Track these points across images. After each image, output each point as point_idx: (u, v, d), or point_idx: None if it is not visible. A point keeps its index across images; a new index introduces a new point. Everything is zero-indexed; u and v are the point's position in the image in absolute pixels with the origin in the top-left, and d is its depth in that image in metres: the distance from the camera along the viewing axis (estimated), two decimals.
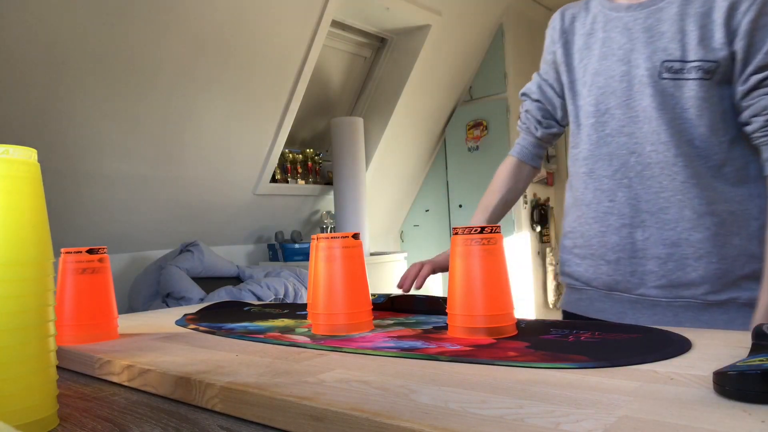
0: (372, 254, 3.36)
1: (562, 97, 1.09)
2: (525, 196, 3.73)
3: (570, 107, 1.04)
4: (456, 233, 0.74)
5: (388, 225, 4.03)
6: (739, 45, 0.84)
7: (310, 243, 0.94)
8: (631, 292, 0.95)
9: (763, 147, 0.85)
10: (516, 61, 3.69)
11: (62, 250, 0.87)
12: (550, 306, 3.83)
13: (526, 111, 1.14)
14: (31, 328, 0.51)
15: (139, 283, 2.56)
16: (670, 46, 0.88)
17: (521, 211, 3.68)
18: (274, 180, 3.13)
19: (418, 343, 0.69)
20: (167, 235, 2.78)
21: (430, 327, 0.80)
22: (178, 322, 0.98)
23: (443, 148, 3.98)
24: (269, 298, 2.51)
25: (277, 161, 3.04)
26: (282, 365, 0.62)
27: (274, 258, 3.18)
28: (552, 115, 1.11)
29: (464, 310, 0.72)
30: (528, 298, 3.70)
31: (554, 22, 1.07)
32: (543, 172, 3.89)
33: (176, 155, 2.59)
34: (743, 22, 0.83)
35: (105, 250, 0.89)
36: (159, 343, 0.80)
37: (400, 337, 0.73)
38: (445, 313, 0.76)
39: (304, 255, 3.04)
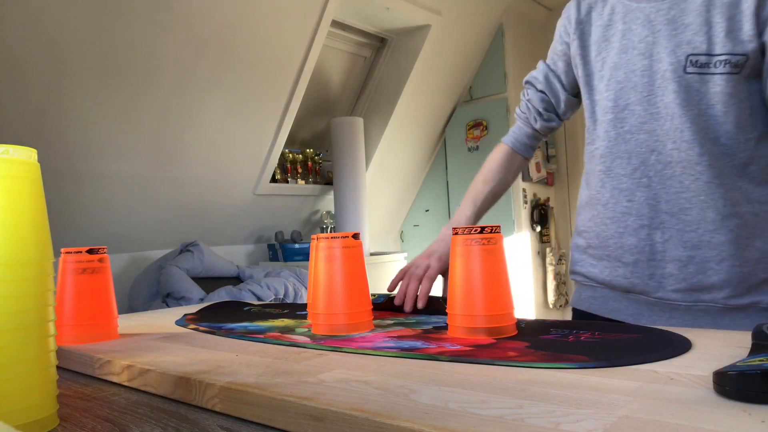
0: (372, 254, 3.36)
1: (567, 90, 1.06)
2: (525, 196, 3.73)
3: (586, 102, 1.00)
4: (456, 233, 0.74)
5: (388, 225, 4.03)
6: None
7: (310, 243, 0.93)
8: (649, 296, 0.91)
9: None
10: (516, 61, 3.69)
11: (62, 250, 0.87)
12: (550, 306, 3.83)
13: (528, 100, 1.11)
14: (31, 328, 0.51)
15: (139, 283, 2.56)
16: (695, 39, 0.83)
17: (521, 211, 3.68)
18: (274, 180, 3.13)
19: (418, 343, 0.69)
20: (167, 235, 2.78)
21: (430, 327, 0.80)
22: (178, 322, 0.98)
23: (443, 148, 3.98)
24: (269, 298, 2.51)
25: (277, 161, 3.04)
26: (282, 365, 0.62)
27: (274, 258, 3.18)
28: (554, 107, 1.09)
29: (464, 310, 0.72)
30: (528, 298, 3.70)
31: (569, 11, 1.02)
32: (543, 172, 3.89)
33: (176, 155, 2.59)
34: None
35: (105, 250, 0.89)
36: (159, 343, 0.80)
37: (400, 337, 0.73)
38: (445, 313, 0.76)
39: (304, 255, 3.04)
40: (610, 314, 0.97)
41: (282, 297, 2.58)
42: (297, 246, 3.09)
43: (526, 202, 3.74)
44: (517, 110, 1.14)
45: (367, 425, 0.44)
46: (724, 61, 0.82)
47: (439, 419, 0.42)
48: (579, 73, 1.00)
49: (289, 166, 3.29)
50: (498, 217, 3.62)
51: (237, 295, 2.42)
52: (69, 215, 2.37)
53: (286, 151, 3.28)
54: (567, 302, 3.90)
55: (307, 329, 0.83)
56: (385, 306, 0.99)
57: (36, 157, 0.54)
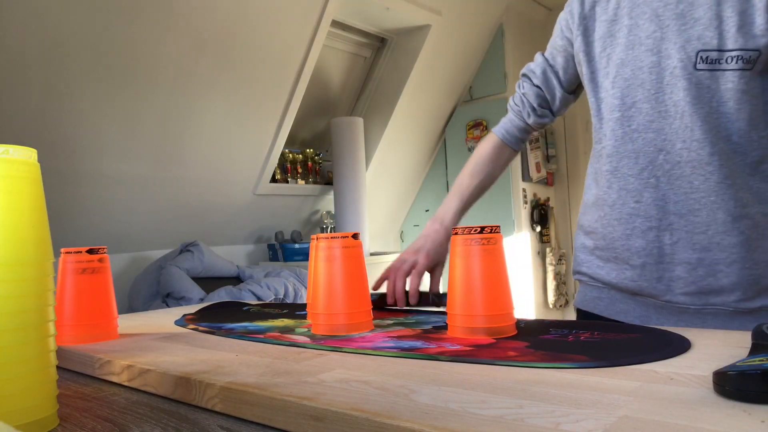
0: (372, 254, 3.36)
1: (564, 87, 1.04)
2: (525, 196, 3.73)
3: (591, 100, 0.97)
4: (456, 233, 0.74)
5: (388, 225, 4.03)
6: None
7: (310, 243, 0.93)
8: (657, 299, 0.89)
9: None
10: (516, 61, 3.69)
11: (62, 250, 0.87)
12: (550, 306, 3.83)
13: (524, 94, 1.08)
14: (31, 328, 0.51)
15: (139, 283, 2.56)
16: (705, 34, 0.81)
17: (521, 211, 3.68)
18: (274, 180, 3.13)
19: (418, 343, 0.69)
20: (167, 235, 2.78)
21: (430, 327, 0.80)
22: (178, 322, 0.98)
23: (443, 148, 3.98)
24: (269, 298, 2.51)
25: (277, 161, 3.04)
26: (282, 365, 0.62)
27: (274, 258, 3.18)
28: (549, 104, 1.07)
29: (464, 310, 0.72)
30: (528, 298, 3.70)
31: (572, 5, 0.99)
32: (543, 172, 3.89)
33: (176, 155, 2.59)
34: None
35: (105, 250, 0.88)
36: (159, 343, 0.80)
37: (400, 337, 0.73)
38: (436, 305, 0.76)
39: (304, 255, 3.04)
40: (617, 316, 0.95)
41: (282, 297, 2.58)
42: (297, 246, 3.09)
43: (526, 202, 3.74)
44: (511, 101, 1.12)
45: (367, 425, 0.44)
46: (737, 57, 0.79)
47: (439, 419, 0.42)
48: (583, 70, 0.97)
49: (289, 166, 3.29)
50: (498, 217, 3.62)
51: (237, 295, 2.42)
52: (69, 215, 2.37)
53: (286, 151, 3.28)
54: (567, 302, 3.90)
55: (307, 329, 0.83)
56: (377, 305, 0.98)
57: (36, 157, 0.54)
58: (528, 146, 3.78)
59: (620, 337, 0.67)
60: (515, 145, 1.11)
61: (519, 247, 3.66)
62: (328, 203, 3.52)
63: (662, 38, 0.85)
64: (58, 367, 0.56)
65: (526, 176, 3.74)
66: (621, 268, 0.92)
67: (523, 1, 3.78)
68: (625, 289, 0.93)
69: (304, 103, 3.01)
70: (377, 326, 0.83)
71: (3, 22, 1.87)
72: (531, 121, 1.08)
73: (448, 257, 1.04)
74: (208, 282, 2.59)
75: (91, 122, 2.25)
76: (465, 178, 1.10)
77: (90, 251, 0.86)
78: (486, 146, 1.11)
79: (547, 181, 3.99)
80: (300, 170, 3.35)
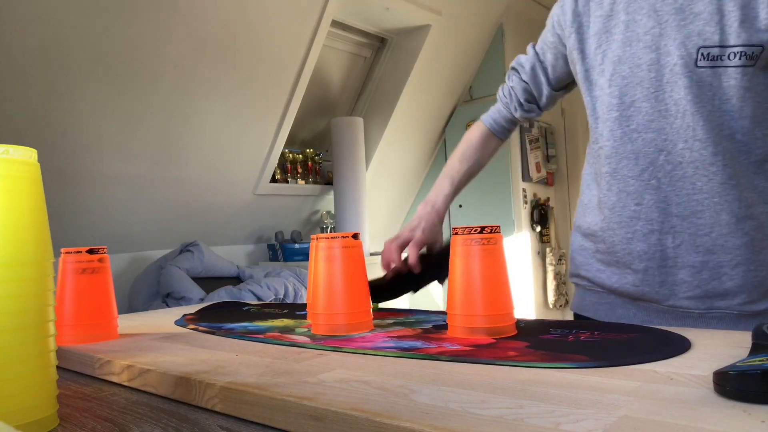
0: (372, 254, 3.36)
1: (551, 85, 1.04)
2: (525, 196, 3.73)
3: (586, 99, 0.94)
4: (456, 233, 0.74)
5: (388, 225, 4.03)
6: None
7: (309, 243, 0.92)
8: (660, 303, 0.87)
9: None
10: None
11: (62, 250, 0.87)
12: (550, 306, 3.83)
13: (512, 87, 1.08)
14: (31, 328, 0.51)
15: (139, 283, 2.56)
16: (706, 30, 0.78)
17: (521, 211, 3.68)
18: (274, 180, 3.13)
19: (418, 343, 0.69)
20: (167, 235, 2.78)
21: (429, 327, 0.80)
22: (178, 323, 0.98)
23: (443, 148, 3.98)
24: (269, 298, 2.51)
25: (277, 161, 3.04)
26: (282, 365, 0.62)
27: (274, 258, 3.18)
28: (536, 99, 1.06)
29: (464, 310, 0.72)
30: (528, 298, 3.70)
31: (564, 1, 0.96)
32: (543, 172, 3.89)
33: (176, 155, 2.59)
34: None
35: (105, 250, 0.89)
36: (159, 343, 0.80)
37: (400, 337, 0.73)
38: (439, 277, 0.74)
39: (304, 255, 3.04)
40: (617, 321, 0.93)
41: (282, 297, 2.58)
42: (297, 246, 3.09)
43: (526, 202, 3.74)
44: (500, 92, 1.11)
45: (367, 425, 0.44)
46: (739, 53, 0.76)
47: (439, 419, 0.42)
48: (577, 68, 0.94)
49: (289, 166, 3.29)
50: (498, 217, 3.62)
51: (237, 295, 2.42)
52: (69, 215, 2.37)
53: (286, 151, 3.28)
54: (567, 302, 3.90)
55: (306, 329, 0.83)
56: (376, 290, 0.94)
57: (36, 157, 0.54)
58: (528, 146, 3.78)
59: (620, 337, 0.67)
60: (502, 134, 1.12)
61: (519, 247, 3.65)
62: (328, 203, 3.52)
63: (661, 34, 0.82)
64: (58, 367, 0.56)
65: (526, 176, 3.74)
66: (622, 272, 0.90)
67: (523, 1, 3.78)
68: (627, 294, 0.91)
69: (304, 103, 3.01)
70: (377, 326, 0.83)
71: (3, 22, 1.87)
72: (518, 114, 1.08)
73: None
74: (208, 282, 2.59)
75: (91, 122, 2.25)
76: (455, 162, 1.09)
77: (90, 251, 0.86)
78: (475, 133, 1.12)
79: (547, 181, 3.99)
80: (300, 170, 3.35)
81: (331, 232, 3.29)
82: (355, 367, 0.60)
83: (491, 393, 0.48)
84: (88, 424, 0.55)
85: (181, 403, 0.60)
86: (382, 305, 1.03)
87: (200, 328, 0.90)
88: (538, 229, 3.81)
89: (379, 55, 3.49)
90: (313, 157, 3.45)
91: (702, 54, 0.79)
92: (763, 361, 0.44)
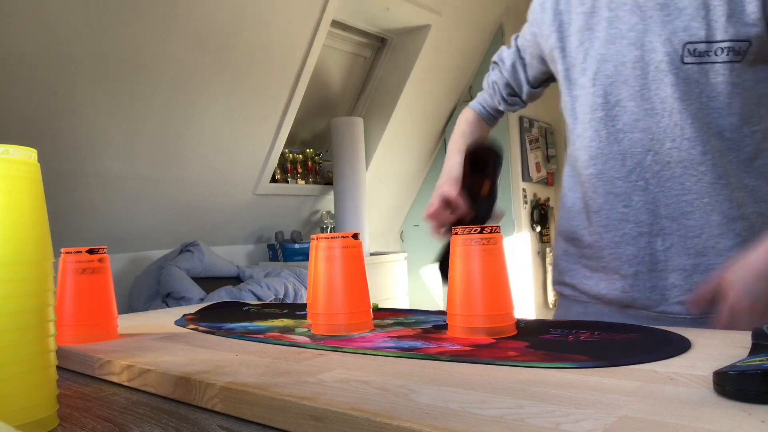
0: (372, 254, 3.36)
1: (530, 83, 1.03)
2: (525, 196, 3.72)
3: (565, 98, 0.91)
4: (456, 233, 0.74)
5: (388, 225, 4.03)
6: None
7: (310, 243, 0.92)
8: (650, 310, 0.84)
9: None
10: None
11: (62, 250, 0.87)
12: (550, 306, 3.83)
13: (494, 81, 1.08)
14: (31, 328, 0.51)
15: (139, 283, 2.56)
16: (692, 25, 0.76)
17: (521, 211, 3.68)
18: (274, 180, 3.13)
19: (418, 343, 0.69)
20: (167, 235, 2.78)
21: (429, 327, 0.80)
22: (178, 322, 0.98)
23: (443, 148, 3.98)
24: (269, 298, 2.51)
25: (277, 161, 3.04)
26: (282, 365, 0.62)
27: (274, 258, 3.19)
28: (518, 94, 1.06)
29: (464, 310, 0.72)
30: (528, 298, 3.70)
31: None
32: (543, 172, 3.89)
33: (176, 155, 2.59)
34: None
35: (105, 250, 0.89)
36: (159, 343, 0.80)
37: (400, 337, 0.73)
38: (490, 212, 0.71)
39: (304, 255, 3.04)
40: None
41: (282, 297, 2.58)
42: (297, 246, 3.09)
43: (526, 202, 3.74)
44: (485, 82, 1.12)
45: (367, 425, 0.44)
46: (727, 49, 0.74)
47: (439, 419, 0.42)
48: (558, 67, 0.91)
49: (289, 166, 3.29)
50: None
51: (237, 295, 2.42)
52: (69, 215, 2.37)
53: (286, 151, 3.28)
54: None
55: (306, 329, 0.83)
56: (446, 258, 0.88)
57: (36, 157, 0.54)
58: (528, 146, 3.78)
59: (620, 337, 0.67)
60: (490, 121, 1.13)
61: (519, 247, 3.66)
62: (328, 203, 3.52)
63: (645, 30, 0.80)
64: (58, 367, 0.56)
65: (526, 176, 3.74)
66: (610, 278, 0.87)
67: (523, 1, 3.77)
68: (615, 302, 0.87)
69: (304, 103, 3.01)
70: (377, 326, 0.83)
71: (3, 23, 1.87)
72: (502, 107, 1.09)
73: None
74: (208, 282, 2.59)
75: (91, 122, 2.25)
76: (459, 138, 1.09)
77: (90, 251, 0.86)
78: (469, 114, 1.13)
79: (547, 181, 3.99)
80: (300, 170, 3.35)
81: (331, 232, 3.29)
82: (355, 367, 0.60)
83: (491, 393, 0.48)
84: (88, 424, 0.55)
85: (181, 403, 0.60)
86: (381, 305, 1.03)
87: (200, 328, 0.90)
88: (538, 229, 3.81)
89: (379, 55, 3.49)
90: (313, 157, 3.45)
91: (688, 50, 0.77)
92: (763, 361, 0.44)
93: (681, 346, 0.61)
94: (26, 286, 0.50)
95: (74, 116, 2.20)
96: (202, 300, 2.38)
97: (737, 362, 0.46)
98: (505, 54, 1.07)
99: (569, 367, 0.55)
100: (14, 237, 0.50)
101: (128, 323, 1.01)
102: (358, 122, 3.24)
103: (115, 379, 0.70)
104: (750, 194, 0.80)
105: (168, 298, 2.44)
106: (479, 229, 0.72)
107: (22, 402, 0.50)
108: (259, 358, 0.66)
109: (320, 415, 0.47)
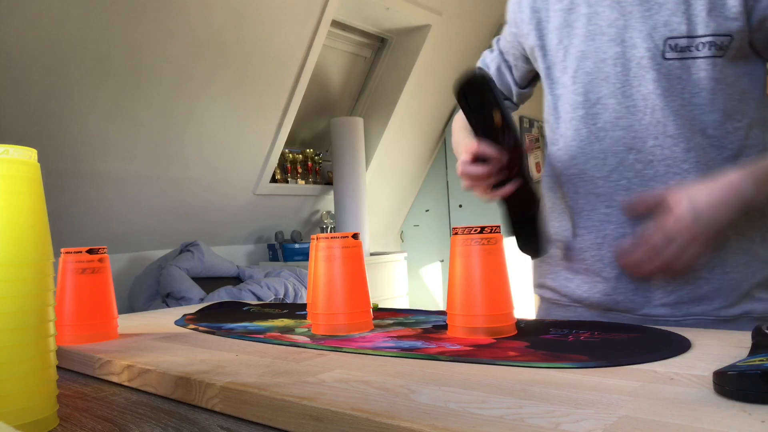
0: (372, 254, 3.36)
1: (518, 84, 1.00)
2: None
3: (547, 97, 0.88)
4: (456, 233, 0.74)
5: (388, 225, 4.03)
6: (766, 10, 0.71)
7: (310, 243, 0.92)
8: (633, 313, 0.82)
9: None
10: None
11: (62, 250, 0.87)
12: None
13: None
14: (31, 328, 0.51)
15: (139, 283, 2.56)
16: (672, 20, 0.75)
17: None
18: (274, 180, 3.13)
19: (418, 343, 0.69)
20: (167, 235, 2.78)
21: (429, 327, 0.80)
22: (178, 322, 0.98)
23: (443, 148, 3.98)
24: (269, 298, 2.51)
25: (277, 161, 3.04)
26: (282, 365, 0.62)
27: (274, 258, 3.19)
28: (507, 97, 1.03)
29: (464, 310, 0.72)
30: (528, 298, 3.71)
31: None
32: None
33: (176, 155, 2.59)
34: None
35: (105, 250, 0.88)
36: (159, 343, 0.80)
37: (400, 337, 0.73)
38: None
39: (304, 255, 3.04)
40: None
41: (282, 297, 2.58)
42: (297, 246, 3.09)
43: None
44: None
45: (367, 425, 0.44)
46: (708, 43, 0.73)
47: (439, 419, 0.42)
48: (539, 66, 0.90)
49: (289, 166, 3.29)
50: (498, 217, 3.62)
51: (237, 295, 2.42)
52: (69, 215, 2.37)
53: (286, 151, 3.28)
54: None
55: (306, 329, 0.83)
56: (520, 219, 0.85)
57: (36, 157, 0.54)
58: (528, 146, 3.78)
59: (620, 337, 0.67)
60: None
61: None
62: (328, 203, 3.52)
63: (626, 26, 0.78)
64: (58, 367, 0.56)
65: None
66: (593, 281, 0.85)
67: None
68: (598, 305, 0.85)
69: (304, 103, 3.01)
70: (377, 326, 0.83)
71: (3, 22, 1.87)
72: None
73: None
74: (208, 282, 2.60)
75: (91, 122, 2.25)
76: (462, 130, 1.01)
77: (90, 251, 0.86)
78: (462, 122, 1.06)
79: None
80: (300, 170, 3.35)
81: (331, 232, 3.29)
82: (355, 367, 0.60)
83: (491, 393, 0.48)
84: (88, 424, 0.55)
85: (181, 403, 0.60)
86: (381, 305, 1.03)
87: (200, 328, 0.90)
88: None
89: (379, 55, 3.49)
90: (313, 157, 3.45)
91: (669, 45, 0.75)
92: (763, 361, 0.44)
93: (681, 346, 0.61)
94: (26, 286, 0.50)
95: (74, 116, 2.20)
96: (202, 300, 2.38)
97: (737, 362, 0.46)
98: (489, 59, 1.05)
99: (569, 367, 0.55)
100: (14, 237, 0.50)
101: (128, 323, 1.01)
102: (358, 122, 3.24)
103: (115, 379, 0.70)
104: None
105: (168, 298, 2.44)
106: (479, 229, 0.72)
107: (22, 402, 0.50)
108: (259, 358, 0.66)
109: (320, 415, 0.47)
